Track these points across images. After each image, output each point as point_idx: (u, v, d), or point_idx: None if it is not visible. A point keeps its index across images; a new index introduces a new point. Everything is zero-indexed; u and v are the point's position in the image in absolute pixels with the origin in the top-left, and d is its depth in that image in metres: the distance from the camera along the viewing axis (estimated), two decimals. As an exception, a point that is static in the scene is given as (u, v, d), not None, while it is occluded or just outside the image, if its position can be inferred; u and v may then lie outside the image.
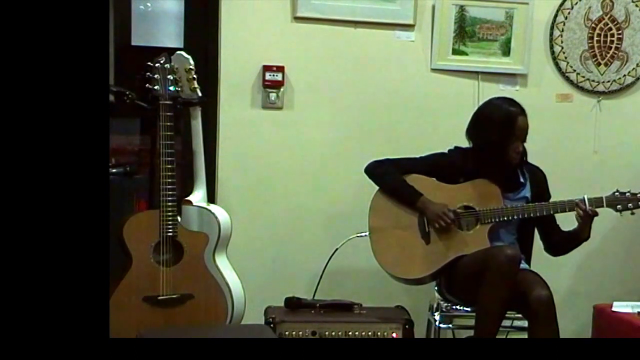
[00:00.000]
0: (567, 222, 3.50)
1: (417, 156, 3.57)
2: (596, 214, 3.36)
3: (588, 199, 3.36)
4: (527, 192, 3.51)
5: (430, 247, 3.44)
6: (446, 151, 3.58)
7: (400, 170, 3.51)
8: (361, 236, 3.63)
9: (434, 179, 3.51)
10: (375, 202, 3.53)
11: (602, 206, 3.38)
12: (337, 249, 3.82)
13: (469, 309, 3.50)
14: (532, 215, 3.39)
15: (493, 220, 3.39)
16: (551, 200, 3.52)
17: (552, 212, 3.41)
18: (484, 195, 3.42)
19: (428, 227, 3.45)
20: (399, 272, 3.47)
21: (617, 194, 3.39)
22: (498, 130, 3.39)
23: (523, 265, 3.45)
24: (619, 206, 3.38)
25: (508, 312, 3.34)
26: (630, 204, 3.37)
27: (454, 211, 3.40)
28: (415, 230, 3.46)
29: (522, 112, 3.41)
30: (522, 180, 3.51)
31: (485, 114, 3.50)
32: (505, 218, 3.40)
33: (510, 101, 3.48)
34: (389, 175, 3.51)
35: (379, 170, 3.53)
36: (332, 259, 3.84)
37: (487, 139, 3.43)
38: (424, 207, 3.43)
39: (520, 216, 3.40)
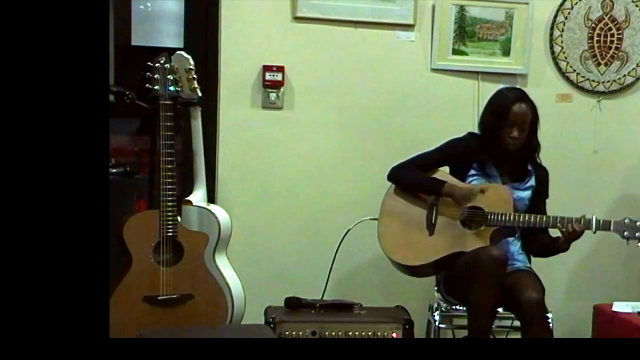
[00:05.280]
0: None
1: (430, 149, 3.58)
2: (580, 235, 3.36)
3: (596, 220, 3.33)
4: (533, 181, 3.52)
5: (432, 238, 3.44)
6: (460, 136, 3.60)
7: (418, 167, 3.53)
8: (371, 220, 3.62)
9: (450, 176, 3.51)
10: (395, 188, 3.56)
11: (609, 230, 3.33)
12: (349, 230, 3.82)
13: (468, 309, 3.51)
14: (537, 226, 3.37)
15: (499, 223, 3.38)
16: (550, 199, 3.55)
17: (558, 227, 3.36)
18: (496, 199, 3.40)
19: (435, 220, 3.45)
20: (397, 257, 3.47)
21: (627, 220, 3.32)
22: (493, 115, 3.46)
23: (523, 265, 3.46)
24: (626, 233, 3.31)
25: (508, 313, 3.34)
26: (637, 233, 3.31)
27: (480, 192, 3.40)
28: (422, 220, 3.47)
29: (521, 99, 3.42)
30: (530, 168, 3.53)
31: (488, 101, 3.58)
32: (511, 223, 3.38)
33: (513, 89, 3.58)
34: (409, 174, 3.53)
35: (399, 174, 3.54)
36: (333, 259, 3.84)
37: (486, 125, 3.49)
38: (451, 191, 3.43)
39: (526, 225, 3.38)
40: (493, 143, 3.44)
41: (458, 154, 3.52)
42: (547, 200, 3.56)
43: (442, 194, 3.45)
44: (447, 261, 3.41)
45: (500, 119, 3.41)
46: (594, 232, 3.34)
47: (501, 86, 4.09)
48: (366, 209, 3.74)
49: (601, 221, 3.32)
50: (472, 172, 3.49)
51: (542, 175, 3.56)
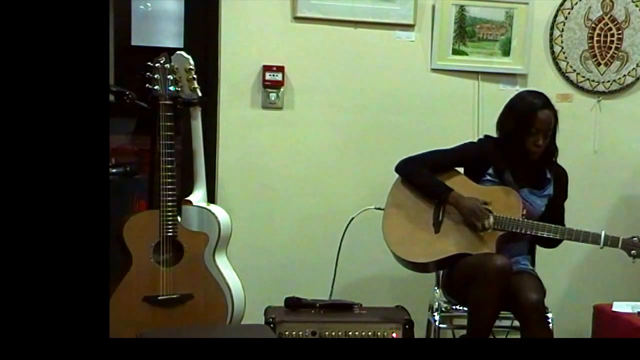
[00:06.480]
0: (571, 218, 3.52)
1: (446, 148, 3.53)
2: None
3: (605, 236, 3.32)
4: (551, 190, 3.49)
5: (437, 236, 3.42)
6: (475, 140, 3.57)
7: (428, 167, 3.47)
8: (376, 209, 3.61)
9: (462, 175, 3.48)
10: (403, 181, 3.53)
11: (617, 247, 3.33)
12: (352, 218, 3.79)
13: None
14: (544, 234, 3.35)
15: (507, 229, 3.36)
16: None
17: (566, 238, 3.36)
18: (505, 204, 3.38)
19: (442, 218, 3.43)
20: (400, 252, 3.44)
21: (635, 239, 3.32)
22: (517, 121, 3.37)
23: (526, 267, 3.45)
24: (633, 252, 3.31)
25: (507, 312, 3.34)
26: None
27: (485, 207, 3.35)
28: (429, 216, 3.44)
29: (546, 106, 3.37)
30: (548, 176, 3.49)
31: (509, 105, 3.48)
32: (519, 230, 3.35)
33: (537, 94, 3.45)
34: (417, 173, 3.47)
35: (407, 169, 3.49)
36: (333, 259, 3.84)
37: (507, 130, 3.42)
38: (455, 202, 3.39)
39: (533, 232, 3.35)
40: (513, 149, 3.39)
41: (472, 158, 3.48)
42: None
43: (447, 203, 3.41)
44: (451, 261, 3.40)
45: (524, 126, 3.34)
46: (601, 247, 3.34)
47: (501, 86, 4.12)
48: (366, 207, 3.74)
49: (609, 237, 3.32)
50: (487, 177, 3.45)
51: (561, 177, 3.52)
